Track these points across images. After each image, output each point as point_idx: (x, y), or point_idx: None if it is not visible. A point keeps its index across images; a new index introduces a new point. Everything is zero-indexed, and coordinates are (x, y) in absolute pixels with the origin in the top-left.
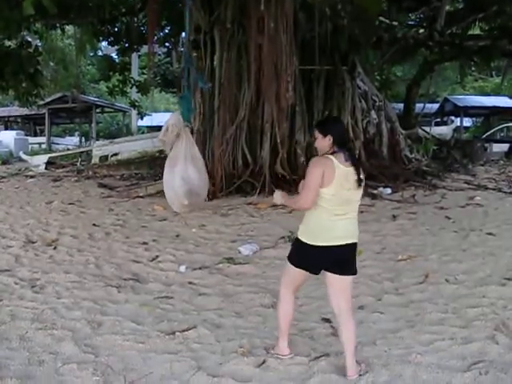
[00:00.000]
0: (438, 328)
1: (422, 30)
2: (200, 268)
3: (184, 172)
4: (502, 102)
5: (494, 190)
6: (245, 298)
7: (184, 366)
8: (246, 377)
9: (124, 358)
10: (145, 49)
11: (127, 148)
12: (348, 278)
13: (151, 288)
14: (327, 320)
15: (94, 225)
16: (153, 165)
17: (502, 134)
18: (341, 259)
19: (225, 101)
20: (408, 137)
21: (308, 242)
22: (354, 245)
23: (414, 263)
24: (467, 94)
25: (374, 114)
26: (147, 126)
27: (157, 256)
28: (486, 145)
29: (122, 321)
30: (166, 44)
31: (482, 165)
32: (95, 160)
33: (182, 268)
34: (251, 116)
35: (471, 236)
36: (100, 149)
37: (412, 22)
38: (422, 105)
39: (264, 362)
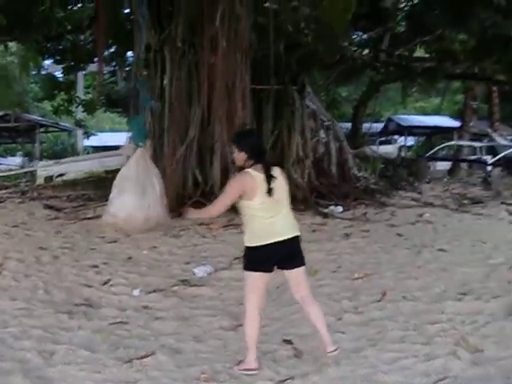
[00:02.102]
0: (400, 346)
1: (366, 51)
2: (154, 291)
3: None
4: (443, 121)
5: (440, 206)
6: (202, 321)
7: None
8: None
9: None
10: (91, 67)
11: (73, 168)
12: (300, 270)
13: (104, 313)
14: (289, 342)
15: (40, 248)
16: (100, 185)
17: (443, 153)
18: (287, 253)
19: (174, 120)
20: (356, 156)
21: (254, 245)
22: (295, 238)
23: (371, 281)
24: (409, 114)
25: (322, 133)
26: (93, 147)
27: (109, 279)
28: (430, 163)
29: (76, 349)
30: (112, 63)
31: (427, 182)
32: (40, 181)
33: (136, 292)
34: (201, 136)
35: (424, 252)
36: (45, 169)
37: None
38: (367, 124)
39: None
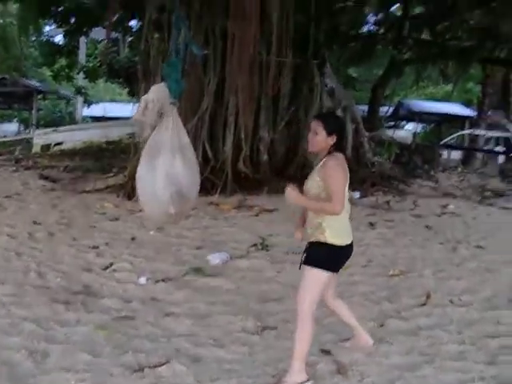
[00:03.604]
0: (461, 364)
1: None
2: (163, 280)
3: (170, 166)
4: (454, 109)
5: (462, 198)
6: (222, 321)
7: None
8: None
9: None
10: (94, 33)
11: (72, 137)
12: None
13: (107, 304)
14: (328, 352)
15: (34, 223)
16: (100, 156)
17: (452, 142)
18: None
19: (187, 89)
20: (371, 139)
21: (338, 244)
22: None
23: (409, 280)
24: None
25: (339, 113)
26: (92, 117)
27: (111, 263)
28: (443, 151)
29: (74, 351)
30: (115, 31)
31: (442, 171)
32: (36, 149)
33: (143, 279)
34: (215, 107)
35: (460, 249)
36: (42, 137)
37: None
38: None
39: None
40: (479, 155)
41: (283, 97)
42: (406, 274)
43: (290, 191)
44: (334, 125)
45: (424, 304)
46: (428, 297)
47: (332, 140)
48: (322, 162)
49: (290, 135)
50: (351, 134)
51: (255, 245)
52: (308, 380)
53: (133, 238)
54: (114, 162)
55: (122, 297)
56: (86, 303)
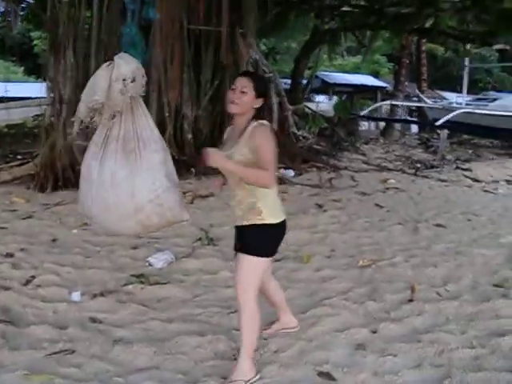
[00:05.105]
0: (483, 375)
1: None
2: (102, 294)
3: (165, 165)
4: (366, 80)
5: (397, 171)
6: (187, 345)
7: None
8: None
9: None
10: None
11: None
12: None
13: (36, 335)
14: (327, 375)
15: None
16: (1, 142)
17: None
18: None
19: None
20: (294, 113)
21: (275, 222)
22: None
23: (383, 270)
24: (329, 71)
25: None
26: None
27: (33, 276)
28: (362, 123)
29: None
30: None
31: (365, 143)
32: None
33: (76, 295)
34: None
35: (421, 229)
36: None
37: None
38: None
39: None
40: (398, 126)
41: (205, 69)
42: (378, 263)
43: (214, 153)
44: (263, 87)
45: (411, 300)
46: (412, 290)
47: (258, 103)
48: (249, 131)
49: (215, 111)
50: (276, 107)
51: (199, 239)
52: (257, 375)
53: (54, 240)
54: (17, 148)
55: (54, 321)
56: (7, 336)
